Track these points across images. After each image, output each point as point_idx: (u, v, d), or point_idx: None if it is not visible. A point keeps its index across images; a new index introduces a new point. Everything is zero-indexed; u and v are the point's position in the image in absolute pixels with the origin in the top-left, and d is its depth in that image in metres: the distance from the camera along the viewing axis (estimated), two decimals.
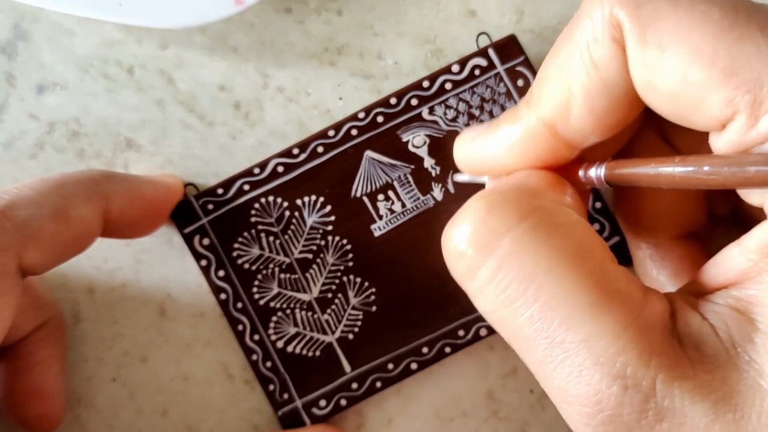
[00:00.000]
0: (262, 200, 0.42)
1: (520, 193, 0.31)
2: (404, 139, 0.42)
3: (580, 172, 0.32)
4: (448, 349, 0.42)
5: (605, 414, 0.27)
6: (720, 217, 0.39)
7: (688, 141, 0.36)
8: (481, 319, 0.41)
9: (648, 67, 0.28)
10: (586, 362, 0.27)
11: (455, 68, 0.42)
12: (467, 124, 0.42)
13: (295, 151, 0.42)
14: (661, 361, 0.26)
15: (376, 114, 0.42)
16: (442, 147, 0.42)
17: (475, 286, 0.30)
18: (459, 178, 0.41)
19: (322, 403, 0.42)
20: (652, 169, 0.29)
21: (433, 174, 0.42)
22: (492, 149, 0.34)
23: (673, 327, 0.28)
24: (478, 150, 0.35)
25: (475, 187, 0.38)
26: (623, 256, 0.41)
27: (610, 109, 0.30)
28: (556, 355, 0.28)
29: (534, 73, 0.41)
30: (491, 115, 0.42)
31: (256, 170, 0.42)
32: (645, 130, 0.37)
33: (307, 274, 0.42)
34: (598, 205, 0.41)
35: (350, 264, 0.42)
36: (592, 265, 0.28)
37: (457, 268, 0.31)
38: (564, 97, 0.30)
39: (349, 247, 0.42)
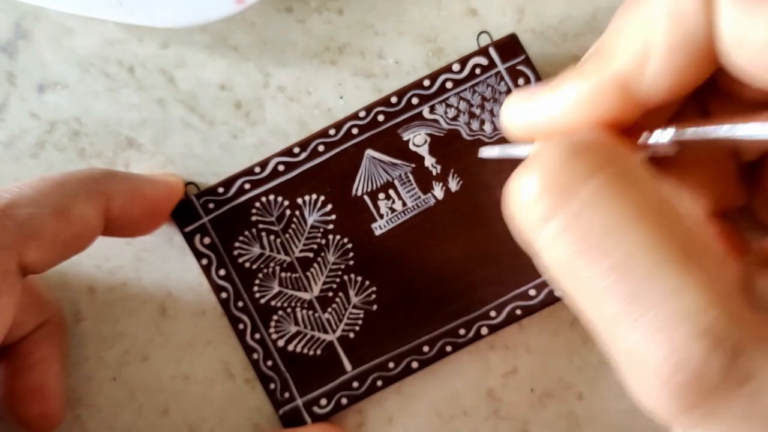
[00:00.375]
0: (263, 199, 0.42)
1: (596, 144, 0.29)
2: (405, 138, 0.42)
3: (643, 136, 0.31)
4: (449, 348, 0.42)
5: (686, 375, 0.25)
6: None
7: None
8: (482, 317, 0.41)
9: (740, 23, 0.27)
10: (669, 318, 0.26)
11: (456, 67, 0.42)
12: (468, 123, 0.42)
13: (296, 150, 0.42)
14: (745, 321, 0.26)
15: (377, 113, 0.42)
16: (442, 146, 0.42)
17: (546, 237, 0.29)
18: (487, 153, 0.40)
19: (323, 401, 0.42)
20: (730, 128, 0.27)
21: (434, 173, 0.42)
22: (554, 107, 0.33)
23: (753, 290, 0.27)
24: (537, 108, 0.33)
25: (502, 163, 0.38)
26: None
27: (688, 66, 0.29)
28: (632, 311, 0.26)
29: (535, 72, 0.41)
30: (492, 114, 0.42)
31: (257, 169, 0.42)
32: (686, 108, 0.35)
33: (308, 273, 0.42)
34: None
35: (351, 263, 0.42)
36: (674, 218, 0.28)
37: (526, 219, 0.29)
38: (641, 51, 0.29)
39: (349, 245, 0.42)
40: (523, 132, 0.35)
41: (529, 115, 0.34)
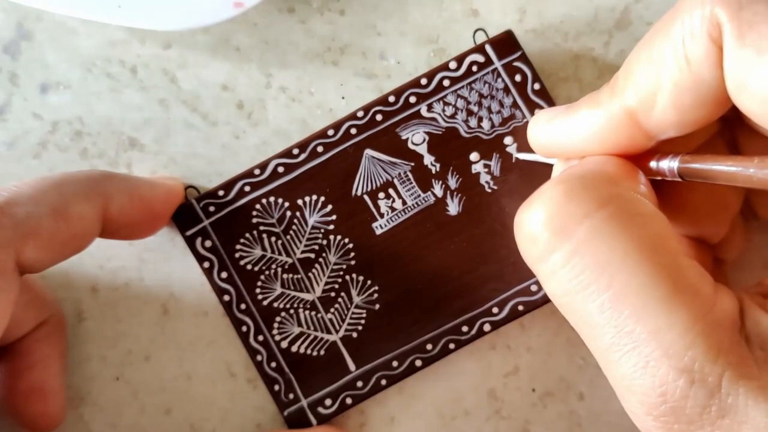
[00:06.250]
0: (263, 201, 0.42)
1: (598, 180, 0.31)
2: (403, 137, 0.42)
3: (653, 163, 0.33)
4: (452, 346, 0.42)
5: (668, 405, 0.27)
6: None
7: (758, 152, 0.36)
8: (484, 314, 0.41)
9: (743, 69, 0.28)
10: (654, 353, 0.27)
11: (453, 65, 0.42)
12: (465, 121, 0.42)
13: (295, 151, 0.42)
14: (729, 359, 0.27)
15: (375, 112, 0.42)
16: (441, 144, 0.42)
17: (547, 269, 0.30)
18: (524, 156, 0.42)
19: (328, 402, 0.42)
20: (731, 167, 0.29)
21: (433, 171, 0.42)
22: (570, 133, 0.34)
23: (742, 326, 0.28)
24: (555, 132, 0.35)
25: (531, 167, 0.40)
26: None
27: (695, 106, 0.30)
28: (623, 345, 0.28)
29: (532, 68, 0.41)
30: (489, 111, 0.42)
31: (257, 171, 0.42)
32: (714, 138, 0.37)
33: (310, 274, 0.42)
34: None
35: (352, 263, 0.42)
36: (667, 257, 0.29)
37: (530, 251, 0.31)
38: (651, 89, 0.30)
39: (350, 245, 0.42)
40: (546, 151, 0.37)
41: (550, 137, 0.36)
